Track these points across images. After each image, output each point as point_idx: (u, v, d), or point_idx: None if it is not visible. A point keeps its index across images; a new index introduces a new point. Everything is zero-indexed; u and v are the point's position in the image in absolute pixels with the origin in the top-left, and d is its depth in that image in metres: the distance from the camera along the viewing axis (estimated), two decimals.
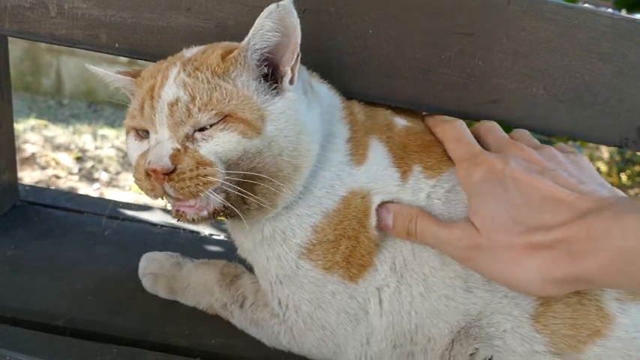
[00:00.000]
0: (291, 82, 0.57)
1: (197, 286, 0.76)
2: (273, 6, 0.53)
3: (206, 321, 0.75)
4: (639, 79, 0.74)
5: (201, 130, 0.55)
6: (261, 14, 0.54)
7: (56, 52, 3.97)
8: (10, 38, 0.86)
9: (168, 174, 0.53)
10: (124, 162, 3.23)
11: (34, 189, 1.08)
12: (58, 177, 2.99)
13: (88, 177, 3.09)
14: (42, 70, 4.05)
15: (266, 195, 0.57)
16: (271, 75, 0.57)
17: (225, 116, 0.55)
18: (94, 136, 3.54)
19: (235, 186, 0.55)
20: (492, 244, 0.54)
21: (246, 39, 0.55)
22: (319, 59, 0.71)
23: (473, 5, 0.70)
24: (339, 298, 0.62)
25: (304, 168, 0.59)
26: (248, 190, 0.55)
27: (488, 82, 0.73)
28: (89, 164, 3.20)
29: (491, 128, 0.66)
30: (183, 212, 0.55)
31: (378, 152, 0.63)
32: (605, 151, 3.95)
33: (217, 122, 0.55)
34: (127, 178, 3.10)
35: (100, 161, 3.25)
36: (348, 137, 0.63)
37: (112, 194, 2.84)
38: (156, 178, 0.53)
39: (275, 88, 0.57)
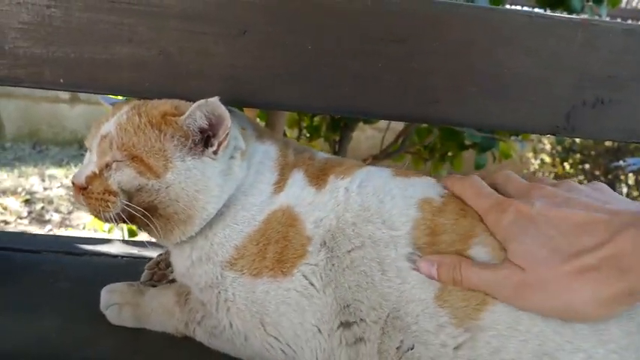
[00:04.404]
0: (215, 152, 0.69)
1: (160, 309, 0.77)
2: (202, 101, 0.66)
3: (176, 345, 0.76)
4: (562, 69, 0.79)
5: (120, 161, 0.67)
6: (195, 104, 0.66)
7: None
8: None
9: (83, 189, 0.67)
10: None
11: None
12: (6, 222, 2.90)
13: (39, 219, 3.01)
14: None
15: (162, 228, 0.70)
16: (206, 139, 0.69)
17: (134, 157, 0.67)
18: (42, 177, 3.45)
19: (136, 213, 0.67)
20: (540, 279, 0.55)
21: (183, 117, 0.67)
22: (261, 76, 0.74)
23: (399, 13, 0.74)
24: (274, 294, 0.68)
25: (196, 220, 0.69)
26: (147, 219, 0.68)
27: (425, 85, 0.77)
28: (39, 206, 3.12)
29: (509, 177, 0.68)
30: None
31: (296, 178, 0.73)
32: (547, 143, 4.13)
33: (127, 159, 0.67)
34: (80, 217, 3.03)
35: (50, 202, 3.17)
36: (275, 181, 0.73)
37: (65, 235, 2.77)
38: (74, 189, 0.69)
39: (202, 150, 0.69)
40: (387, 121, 2.17)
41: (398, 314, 0.63)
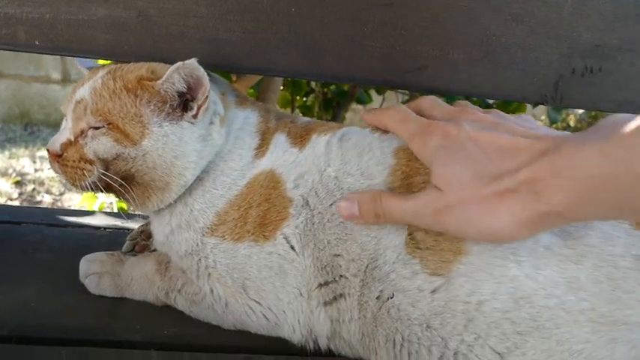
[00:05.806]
0: (194, 117, 0.67)
1: (140, 278, 0.76)
2: (180, 63, 0.64)
3: (156, 313, 0.75)
4: (551, 37, 0.78)
5: (96, 128, 0.66)
6: (172, 67, 0.64)
7: None
8: None
9: (59, 156, 0.66)
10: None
11: None
12: None
13: (30, 201, 2.99)
14: None
15: (139, 197, 0.69)
16: (184, 104, 0.67)
17: (110, 123, 0.66)
18: (33, 159, 3.42)
19: (113, 183, 0.67)
20: (460, 201, 0.54)
21: (160, 81, 0.65)
22: (244, 40, 0.72)
23: None
24: (256, 258, 0.67)
25: (174, 187, 0.68)
26: (124, 188, 0.67)
27: (412, 51, 0.76)
28: (30, 187, 3.09)
29: (434, 101, 0.66)
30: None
31: (278, 141, 0.72)
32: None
33: (103, 127, 0.66)
34: (71, 199, 3.01)
35: (42, 183, 3.15)
36: (256, 146, 0.72)
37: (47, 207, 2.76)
38: (50, 156, 0.67)
39: (181, 115, 0.67)
40: (380, 103, 2.16)
41: (376, 264, 0.62)
